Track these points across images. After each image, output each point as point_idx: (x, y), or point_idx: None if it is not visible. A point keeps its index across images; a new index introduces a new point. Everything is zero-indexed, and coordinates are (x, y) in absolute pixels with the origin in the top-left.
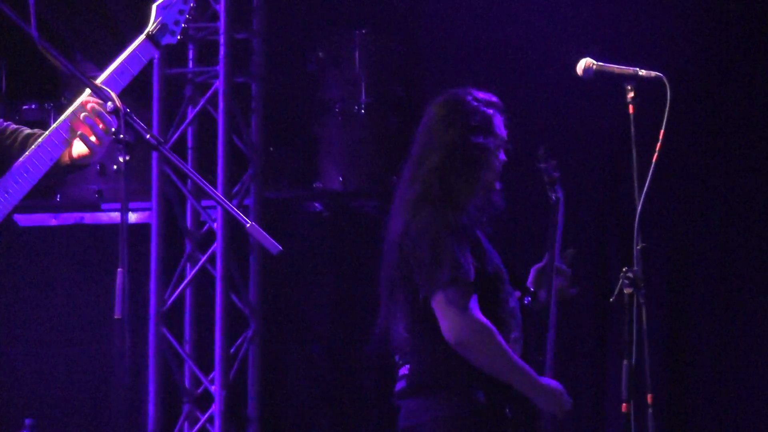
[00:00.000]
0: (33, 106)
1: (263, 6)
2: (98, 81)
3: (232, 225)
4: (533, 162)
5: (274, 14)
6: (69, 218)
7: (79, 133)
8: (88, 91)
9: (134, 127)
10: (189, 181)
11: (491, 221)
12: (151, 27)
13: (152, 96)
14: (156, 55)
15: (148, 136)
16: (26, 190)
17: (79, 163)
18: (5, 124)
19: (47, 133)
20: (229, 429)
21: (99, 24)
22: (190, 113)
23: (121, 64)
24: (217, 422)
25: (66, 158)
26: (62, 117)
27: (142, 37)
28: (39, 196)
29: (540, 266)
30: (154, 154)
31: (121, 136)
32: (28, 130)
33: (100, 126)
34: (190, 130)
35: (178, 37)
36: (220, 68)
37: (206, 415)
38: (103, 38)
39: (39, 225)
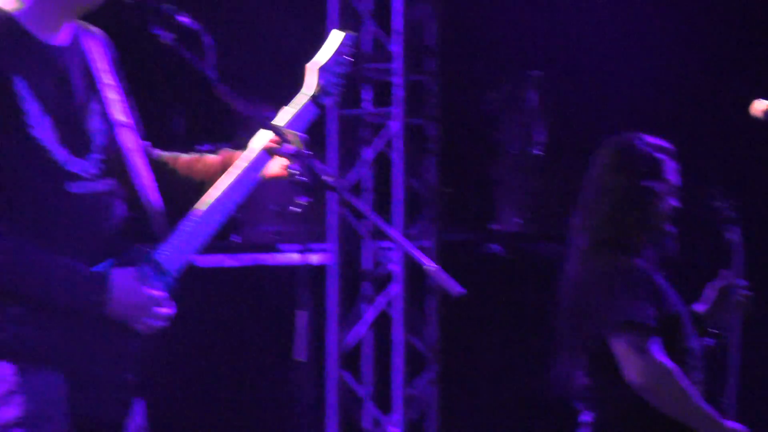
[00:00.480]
0: (209, 147)
1: (439, 47)
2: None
3: (411, 266)
4: (706, 200)
5: (450, 55)
6: (247, 259)
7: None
8: (263, 132)
9: (314, 170)
10: (367, 222)
11: (666, 264)
12: (315, 90)
13: (327, 136)
14: (316, 115)
15: (327, 179)
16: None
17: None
18: (153, 151)
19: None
20: None
21: (275, 66)
22: (366, 154)
23: (287, 124)
24: None
25: None
26: (243, 157)
27: (306, 99)
28: (221, 236)
29: (719, 285)
30: (331, 196)
31: (302, 178)
32: (182, 156)
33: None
34: (366, 171)
35: (337, 97)
36: (396, 109)
37: None
38: (279, 80)
39: (217, 266)
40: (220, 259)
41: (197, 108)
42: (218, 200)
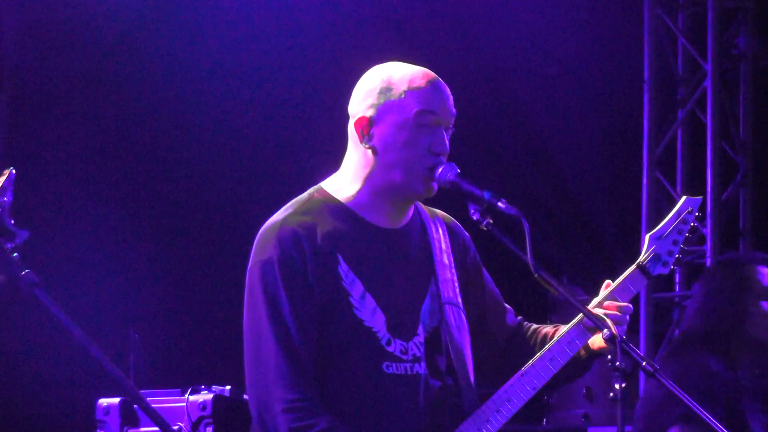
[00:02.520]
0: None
1: (751, 228)
2: (589, 307)
3: None
4: None
5: (763, 236)
6: None
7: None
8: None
9: (630, 355)
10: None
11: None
12: (643, 257)
13: (639, 320)
14: (644, 285)
15: (644, 364)
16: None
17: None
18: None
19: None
20: None
21: (588, 249)
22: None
23: (611, 293)
24: None
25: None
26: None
27: (633, 267)
28: (529, 421)
29: None
30: (642, 380)
31: (617, 363)
32: (546, 328)
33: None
34: None
35: (671, 267)
36: None
37: None
38: (591, 263)
39: None
40: None
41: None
42: (526, 375)
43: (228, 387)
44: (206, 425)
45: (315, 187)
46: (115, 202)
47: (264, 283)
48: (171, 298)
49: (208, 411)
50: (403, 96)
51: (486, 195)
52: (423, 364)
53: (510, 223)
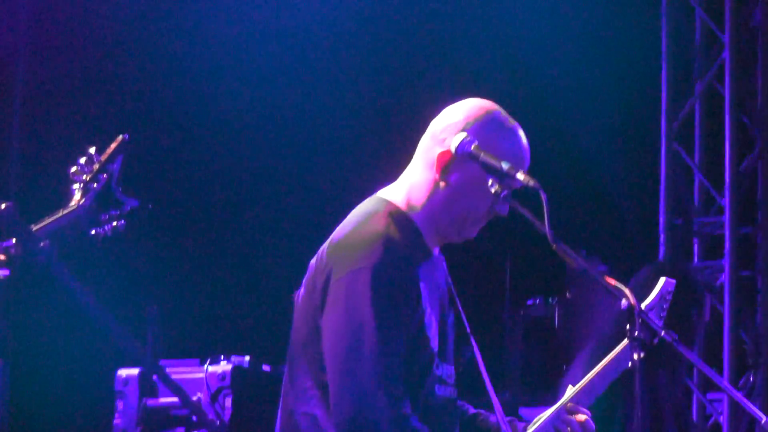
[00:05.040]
0: (537, 301)
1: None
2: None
3: (738, 418)
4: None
5: None
6: None
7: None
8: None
9: (649, 326)
10: (695, 375)
11: None
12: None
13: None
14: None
15: (663, 333)
16: None
17: None
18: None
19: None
20: None
21: (606, 222)
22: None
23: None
24: None
25: None
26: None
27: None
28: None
29: None
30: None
31: (636, 333)
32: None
33: None
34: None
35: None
36: (726, 262)
37: None
38: (610, 237)
39: None
40: None
41: (524, 262)
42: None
43: (247, 357)
44: (225, 396)
45: (382, 199)
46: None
47: (374, 289)
48: (190, 270)
49: (227, 381)
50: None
51: (504, 166)
52: (455, 389)
53: (529, 194)
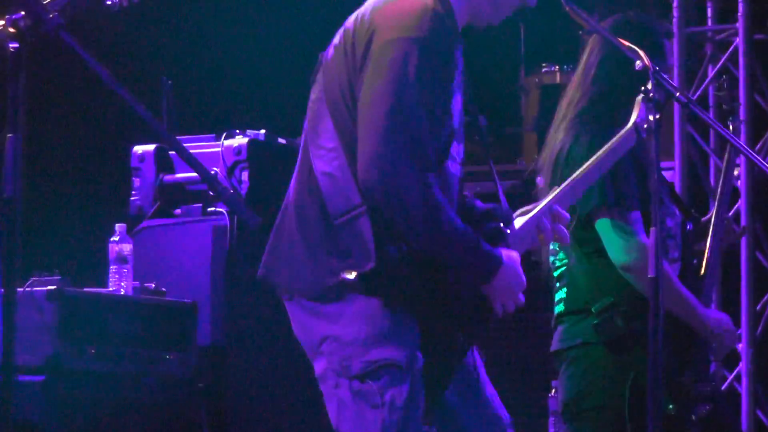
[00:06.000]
0: (553, 68)
1: None
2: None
3: (756, 180)
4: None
5: None
6: None
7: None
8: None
9: (664, 86)
10: (711, 140)
11: None
12: (633, 119)
13: (673, 55)
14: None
15: (678, 94)
16: None
17: None
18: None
19: None
20: (756, 387)
21: None
22: (710, 72)
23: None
24: (744, 380)
25: None
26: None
27: (628, 127)
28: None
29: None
30: (677, 115)
31: (651, 94)
32: None
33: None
34: (710, 89)
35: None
36: (740, 25)
37: (733, 374)
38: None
39: None
40: None
41: (539, 28)
42: (575, 181)
43: (263, 131)
44: (242, 169)
45: None
46: None
47: (423, 59)
48: (204, 42)
49: (243, 155)
50: None
51: None
52: (462, 168)
53: None
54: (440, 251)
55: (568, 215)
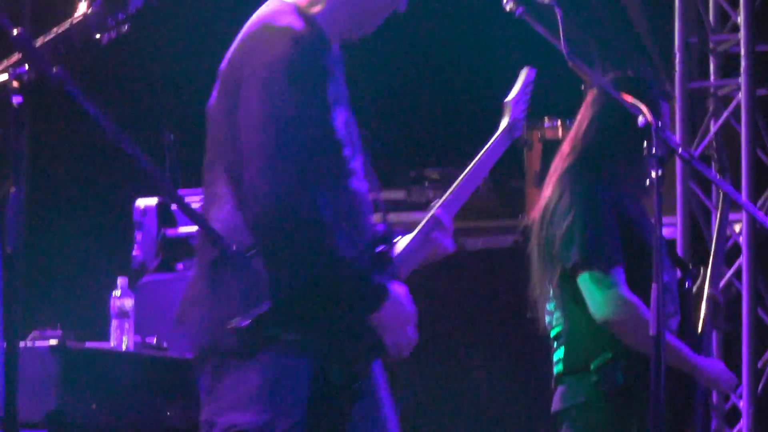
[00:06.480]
0: (555, 123)
1: None
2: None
3: (758, 237)
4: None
5: None
6: None
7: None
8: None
9: (666, 142)
10: (713, 195)
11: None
12: (505, 122)
13: (676, 110)
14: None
15: (680, 150)
16: None
17: None
18: None
19: None
20: None
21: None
22: (713, 127)
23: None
24: None
25: None
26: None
27: (501, 130)
28: None
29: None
30: (679, 171)
31: (654, 150)
32: None
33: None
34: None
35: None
36: (742, 81)
37: (734, 431)
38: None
39: None
40: None
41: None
42: (458, 188)
43: None
44: None
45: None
46: None
47: (291, 79)
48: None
49: None
50: None
51: None
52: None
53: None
54: (323, 277)
55: (451, 226)
